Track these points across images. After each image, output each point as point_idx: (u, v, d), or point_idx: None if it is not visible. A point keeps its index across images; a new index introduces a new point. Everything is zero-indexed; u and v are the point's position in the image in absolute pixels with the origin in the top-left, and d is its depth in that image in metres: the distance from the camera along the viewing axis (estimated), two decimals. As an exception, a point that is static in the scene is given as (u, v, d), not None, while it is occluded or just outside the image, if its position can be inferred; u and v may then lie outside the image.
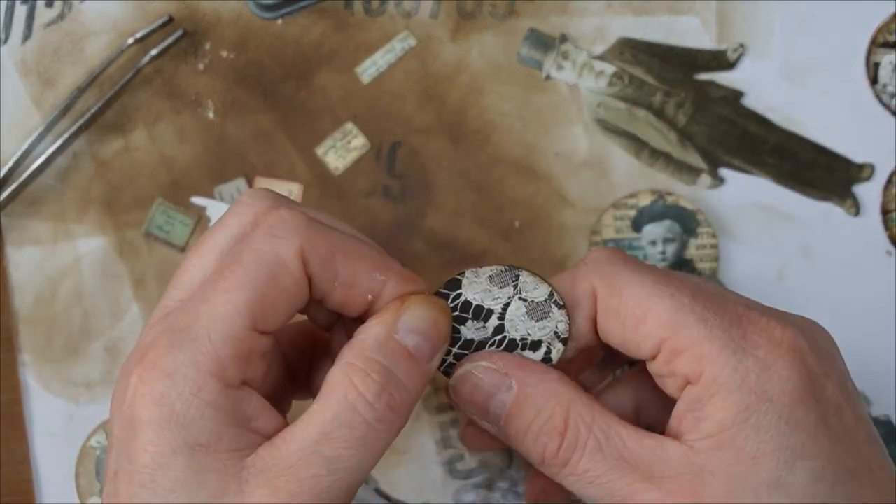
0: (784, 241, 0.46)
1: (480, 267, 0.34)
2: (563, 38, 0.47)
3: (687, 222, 0.46)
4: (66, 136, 0.46)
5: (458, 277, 0.34)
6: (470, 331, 0.34)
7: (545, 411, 0.31)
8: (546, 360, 0.33)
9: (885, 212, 0.46)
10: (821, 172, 0.46)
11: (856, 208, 0.46)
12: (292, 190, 0.47)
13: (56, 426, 0.47)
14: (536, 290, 0.33)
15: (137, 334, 0.47)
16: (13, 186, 0.46)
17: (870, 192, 0.46)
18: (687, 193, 0.46)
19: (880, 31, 0.46)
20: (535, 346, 0.33)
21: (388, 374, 0.30)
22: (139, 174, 0.48)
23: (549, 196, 0.47)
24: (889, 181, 0.46)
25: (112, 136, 0.48)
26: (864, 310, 0.46)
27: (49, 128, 0.47)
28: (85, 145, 0.48)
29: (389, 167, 0.47)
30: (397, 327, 0.31)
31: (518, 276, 0.34)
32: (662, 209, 0.46)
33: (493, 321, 0.34)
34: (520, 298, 0.34)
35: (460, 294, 0.34)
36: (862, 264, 0.46)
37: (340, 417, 0.29)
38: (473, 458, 0.46)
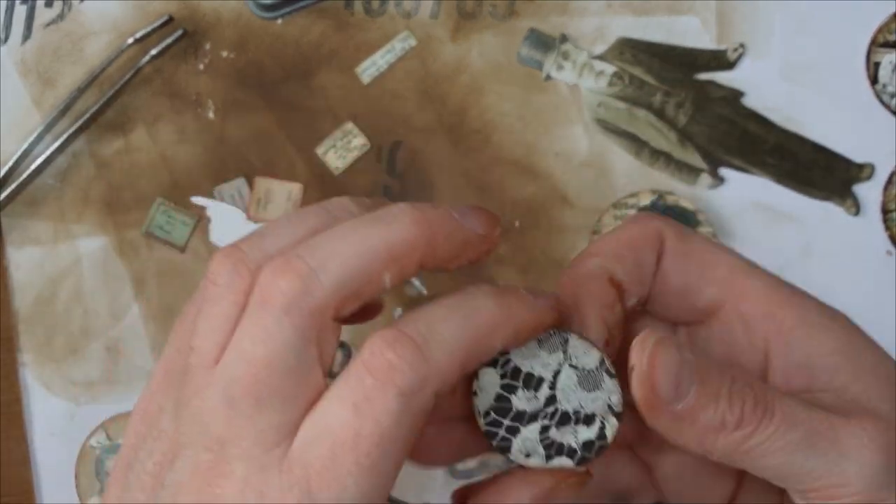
0: (784, 241, 0.46)
1: None
2: (564, 38, 0.47)
3: (687, 222, 0.46)
4: (66, 135, 0.46)
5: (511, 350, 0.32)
6: (521, 401, 0.31)
7: (727, 369, 0.29)
8: (601, 436, 0.30)
9: (885, 211, 0.46)
10: (821, 172, 0.46)
11: (856, 208, 0.46)
12: (292, 190, 0.47)
13: (56, 426, 0.47)
14: (587, 357, 0.31)
15: (137, 334, 0.47)
16: (13, 186, 0.46)
17: (870, 192, 0.46)
18: (687, 193, 0.46)
19: (880, 30, 0.46)
20: (589, 420, 0.31)
21: None
22: (139, 174, 0.48)
23: (549, 196, 0.47)
24: (889, 181, 0.46)
25: (112, 136, 0.48)
26: (864, 310, 0.46)
27: (49, 128, 0.47)
28: (85, 145, 0.48)
29: (389, 167, 0.47)
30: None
31: (567, 341, 0.31)
32: (662, 209, 0.46)
33: (545, 390, 0.31)
34: (570, 366, 0.31)
35: (509, 360, 0.32)
36: (862, 264, 0.46)
37: None
38: (474, 459, 0.46)
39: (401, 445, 0.28)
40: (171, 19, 0.47)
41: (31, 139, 0.46)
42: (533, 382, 0.31)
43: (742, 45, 0.47)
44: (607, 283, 0.30)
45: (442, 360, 0.29)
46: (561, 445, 0.31)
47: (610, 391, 0.30)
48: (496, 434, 0.31)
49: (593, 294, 0.30)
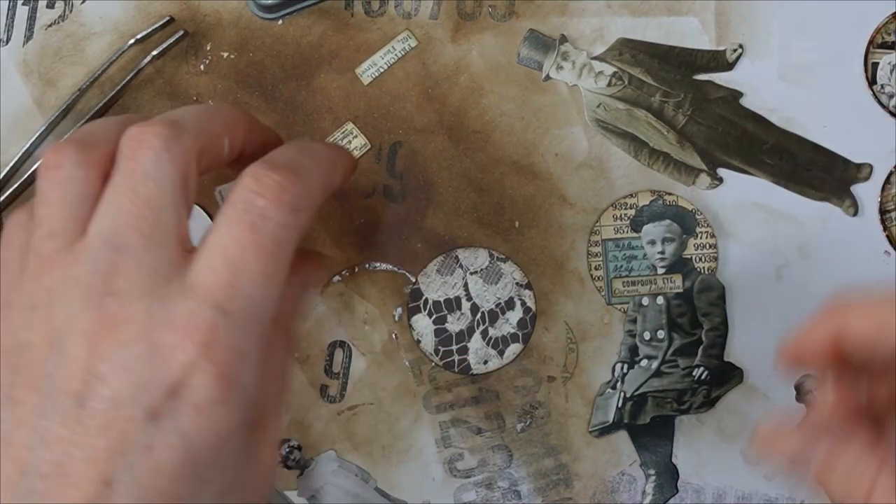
0: (783, 241, 0.46)
1: (424, 266, 0.35)
2: (563, 39, 0.47)
3: (686, 222, 0.46)
4: (67, 136, 0.47)
5: (415, 287, 0.34)
6: (454, 324, 0.35)
7: (856, 470, 0.31)
8: (526, 309, 0.33)
9: (884, 212, 0.46)
10: (819, 172, 0.47)
11: (854, 208, 0.46)
12: (293, 190, 0.47)
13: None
14: (477, 259, 0.34)
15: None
16: (14, 187, 0.47)
17: (868, 192, 0.47)
18: (686, 193, 0.47)
19: (878, 31, 0.47)
20: (510, 304, 0.34)
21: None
22: (140, 174, 0.48)
23: (549, 196, 0.47)
24: (887, 181, 0.46)
25: (113, 137, 0.48)
26: (862, 309, 0.46)
27: (50, 128, 0.47)
28: (86, 145, 0.48)
29: (389, 167, 0.47)
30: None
31: (457, 258, 0.34)
32: (662, 209, 0.46)
33: (465, 304, 0.35)
34: (470, 273, 0.34)
35: (426, 299, 0.34)
36: (860, 264, 0.46)
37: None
38: (473, 458, 0.46)
39: (289, 260, 0.31)
40: (171, 20, 0.48)
41: (32, 139, 0.47)
42: (453, 304, 0.34)
43: (741, 46, 0.47)
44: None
45: (313, 185, 0.33)
46: (504, 338, 0.34)
47: (511, 272, 0.33)
48: (453, 362, 0.33)
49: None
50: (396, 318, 0.47)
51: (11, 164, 0.47)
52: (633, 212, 0.46)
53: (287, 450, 0.46)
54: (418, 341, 0.35)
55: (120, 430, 0.28)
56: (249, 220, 0.31)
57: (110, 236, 0.31)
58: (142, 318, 0.29)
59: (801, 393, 0.46)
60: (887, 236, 0.46)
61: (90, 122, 0.35)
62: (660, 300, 0.46)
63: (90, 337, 0.29)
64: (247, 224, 0.31)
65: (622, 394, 0.46)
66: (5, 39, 0.49)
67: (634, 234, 0.46)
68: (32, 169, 0.46)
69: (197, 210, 0.47)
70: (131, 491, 0.28)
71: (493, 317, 0.35)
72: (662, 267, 0.46)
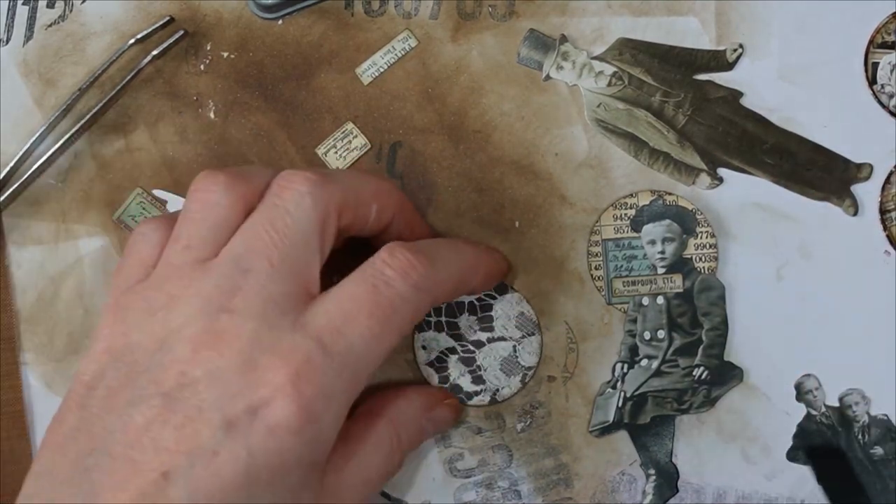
0: (783, 241, 0.46)
1: None
2: (563, 39, 0.47)
3: (686, 222, 0.46)
4: (67, 136, 0.47)
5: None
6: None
7: None
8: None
9: (884, 211, 0.46)
10: (819, 172, 0.47)
11: (854, 208, 0.46)
12: (293, 190, 0.47)
13: (57, 425, 0.47)
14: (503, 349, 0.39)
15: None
16: (15, 186, 0.47)
17: (868, 192, 0.47)
18: (686, 193, 0.47)
19: (879, 31, 0.47)
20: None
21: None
22: (140, 174, 0.48)
23: (549, 196, 0.47)
24: (887, 181, 0.46)
25: (113, 137, 0.48)
26: (862, 310, 0.46)
27: (50, 128, 0.47)
28: (86, 145, 0.48)
29: (389, 167, 0.47)
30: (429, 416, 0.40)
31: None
32: (662, 209, 0.46)
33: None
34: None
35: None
36: (861, 264, 0.46)
37: (381, 468, 0.36)
38: (473, 458, 0.46)
39: (399, 333, 0.34)
40: (172, 20, 0.48)
41: (32, 139, 0.47)
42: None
43: (741, 46, 0.47)
44: None
45: (443, 276, 0.35)
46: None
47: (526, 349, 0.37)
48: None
49: None
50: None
51: (11, 164, 0.47)
52: (633, 212, 0.46)
53: None
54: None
55: (193, 429, 0.30)
56: (373, 282, 0.33)
57: (240, 258, 0.33)
58: (248, 337, 0.31)
59: (800, 393, 0.46)
60: (887, 236, 0.46)
61: (248, 165, 0.38)
62: (660, 300, 0.46)
63: (195, 343, 0.31)
64: (369, 285, 0.33)
65: (622, 393, 0.46)
66: (5, 39, 0.49)
67: (635, 234, 0.46)
68: (33, 169, 0.47)
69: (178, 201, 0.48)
70: (185, 488, 0.29)
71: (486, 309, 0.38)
72: (663, 267, 0.46)
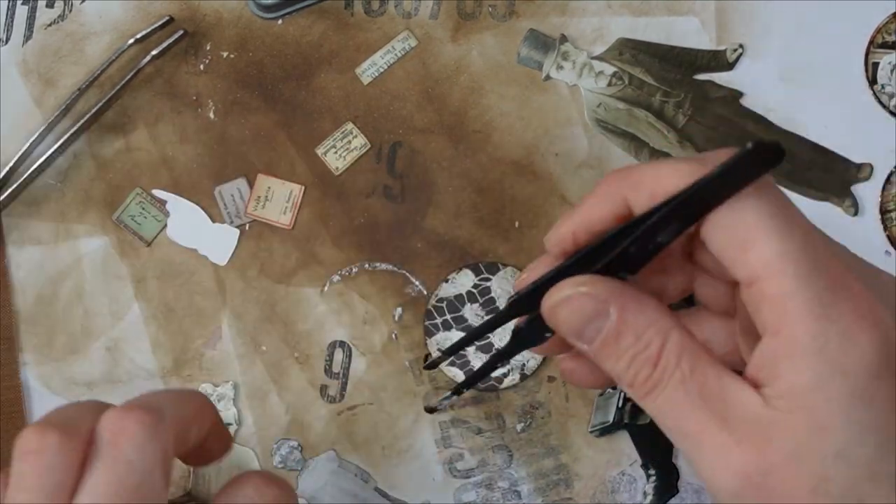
0: (783, 241, 0.46)
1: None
2: (563, 39, 0.47)
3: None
4: (66, 136, 0.47)
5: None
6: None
7: (643, 340, 0.30)
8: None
9: (884, 212, 0.46)
10: (819, 172, 0.47)
11: (855, 208, 0.46)
12: (293, 190, 0.47)
13: (57, 425, 0.47)
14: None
15: (138, 334, 0.47)
16: (14, 186, 0.47)
17: (869, 192, 0.46)
18: (686, 193, 0.46)
19: (879, 31, 0.47)
20: None
21: None
22: (140, 174, 0.48)
23: (549, 196, 0.47)
24: (888, 181, 0.46)
25: (113, 136, 0.48)
26: (862, 309, 0.46)
27: (50, 128, 0.47)
28: (86, 145, 0.48)
29: (389, 167, 0.47)
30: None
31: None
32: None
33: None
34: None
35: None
36: (861, 264, 0.46)
37: None
38: (473, 458, 0.46)
39: (161, 482, 0.33)
40: (171, 20, 0.48)
41: (32, 139, 0.47)
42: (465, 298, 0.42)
43: (741, 46, 0.47)
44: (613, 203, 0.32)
45: (174, 421, 0.34)
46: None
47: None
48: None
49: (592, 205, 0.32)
50: (396, 318, 0.46)
51: (11, 163, 0.47)
52: (633, 212, 0.46)
53: (287, 450, 0.46)
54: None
55: None
56: (112, 464, 0.32)
57: None
58: None
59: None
60: (888, 236, 0.46)
61: (64, 406, 0.36)
62: (660, 300, 0.46)
63: None
64: (109, 469, 0.32)
65: (622, 394, 0.46)
66: (5, 39, 0.49)
67: (635, 234, 0.46)
68: (33, 168, 0.46)
69: (196, 210, 0.48)
70: None
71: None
72: (663, 267, 0.46)
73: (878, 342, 0.29)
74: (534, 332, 0.33)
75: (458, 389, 0.39)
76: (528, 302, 0.33)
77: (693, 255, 0.33)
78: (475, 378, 0.38)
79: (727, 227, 0.30)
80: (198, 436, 0.36)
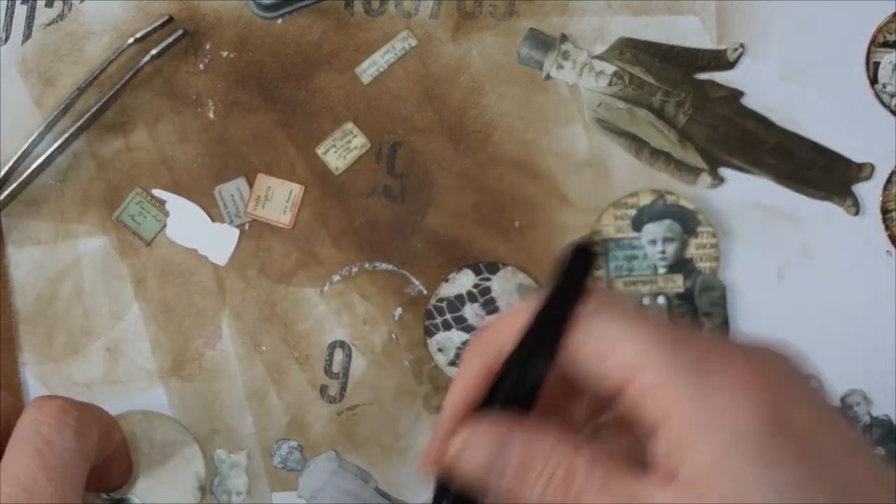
0: (784, 241, 0.46)
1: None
2: (563, 38, 0.47)
3: (687, 222, 0.46)
4: (66, 135, 0.47)
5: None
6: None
7: (552, 463, 0.31)
8: None
9: (885, 211, 0.46)
10: (820, 172, 0.46)
11: (856, 208, 0.46)
12: (293, 190, 0.47)
13: (56, 426, 0.47)
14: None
15: (138, 334, 0.47)
16: (14, 186, 0.47)
17: (870, 192, 0.46)
18: (687, 193, 0.46)
19: (880, 30, 0.46)
20: None
21: None
22: (140, 174, 0.48)
23: (549, 196, 0.47)
24: (889, 180, 0.46)
25: (112, 136, 0.48)
26: (864, 309, 0.46)
27: (49, 127, 0.47)
28: (85, 145, 0.48)
29: (389, 167, 0.47)
30: None
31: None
32: (662, 209, 0.46)
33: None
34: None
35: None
36: (862, 264, 0.46)
37: None
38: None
39: (78, 480, 0.35)
40: (171, 19, 0.48)
41: (31, 139, 0.46)
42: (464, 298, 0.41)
43: (742, 45, 0.47)
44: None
45: (94, 413, 0.37)
46: None
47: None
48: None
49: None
50: (396, 318, 0.46)
51: (11, 163, 0.46)
52: (633, 211, 0.46)
53: (287, 450, 0.46)
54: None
55: None
56: (35, 447, 0.35)
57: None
58: None
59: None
60: (889, 236, 0.46)
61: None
62: (661, 300, 0.46)
63: None
64: (33, 451, 0.35)
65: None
66: (4, 38, 0.49)
67: (635, 234, 0.46)
68: (32, 168, 0.46)
69: (196, 210, 0.47)
70: None
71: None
72: (663, 267, 0.46)
73: (764, 400, 0.29)
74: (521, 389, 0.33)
75: None
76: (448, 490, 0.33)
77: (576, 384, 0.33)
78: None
79: (580, 346, 0.30)
80: (101, 445, 0.38)
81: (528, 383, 0.31)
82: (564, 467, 0.30)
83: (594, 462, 0.30)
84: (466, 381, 0.32)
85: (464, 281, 0.46)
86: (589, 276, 0.30)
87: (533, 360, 0.31)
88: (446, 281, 0.46)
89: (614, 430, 0.35)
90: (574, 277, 0.30)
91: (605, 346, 0.30)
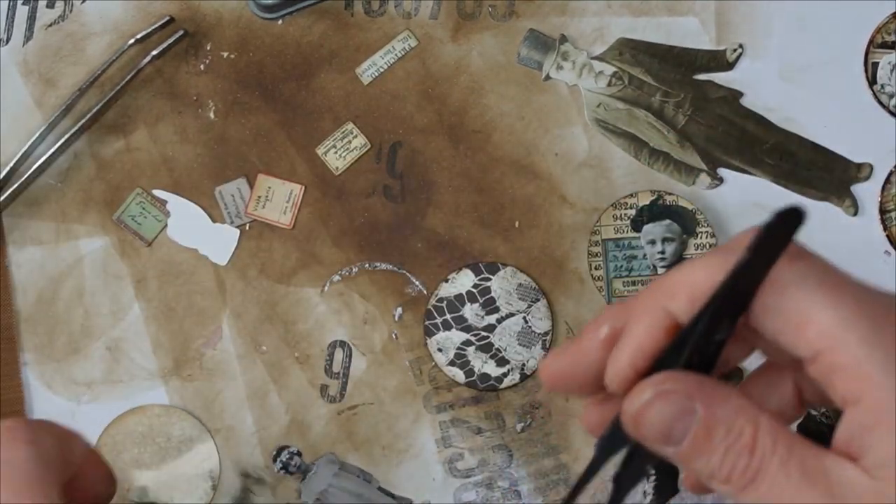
0: (783, 241, 0.46)
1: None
2: (563, 39, 0.47)
3: (686, 222, 0.46)
4: (67, 136, 0.47)
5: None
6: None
7: (734, 430, 0.29)
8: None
9: (884, 211, 0.46)
10: (819, 172, 0.47)
11: (854, 208, 0.46)
12: (293, 190, 0.47)
13: (57, 425, 0.47)
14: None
15: (138, 334, 0.47)
16: (15, 186, 0.47)
17: (868, 192, 0.46)
18: (686, 193, 0.47)
19: (879, 31, 0.47)
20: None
21: None
22: (140, 174, 0.48)
23: (549, 196, 0.47)
24: (887, 181, 0.46)
25: (113, 137, 0.48)
26: (862, 309, 0.46)
27: (50, 128, 0.47)
28: (86, 145, 0.48)
29: (389, 167, 0.47)
30: None
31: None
32: (662, 209, 0.46)
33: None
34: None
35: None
36: (861, 264, 0.46)
37: None
38: (473, 458, 0.46)
39: (43, 489, 0.34)
40: (171, 20, 0.48)
41: (32, 139, 0.47)
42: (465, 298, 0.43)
43: (741, 46, 0.47)
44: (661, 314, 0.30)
45: (44, 425, 0.35)
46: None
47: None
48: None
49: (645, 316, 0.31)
50: (396, 318, 0.47)
51: (12, 163, 0.47)
52: (633, 212, 0.46)
53: (287, 456, 0.46)
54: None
55: None
56: None
57: None
58: None
59: (801, 393, 0.45)
60: (887, 236, 0.46)
61: None
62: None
63: None
64: None
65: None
66: (5, 39, 0.49)
67: (635, 234, 0.46)
68: (33, 168, 0.47)
69: (197, 210, 0.48)
70: None
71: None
72: (663, 267, 0.46)
73: None
74: (635, 472, 0.32)
75: None
76: (617, 437, 0.31)
77: (745, 335, 0.32)
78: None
79: (776, 310, 0.29)
80: (63, 456, 0.37)
81: (711, 347, 0.30)
82: (748, 435, 0.29)
83: (778, 432, 0.29)
84: (637, 339, 0.30)
85: (464, 281, 0.46)
86: (790, 241, 0.28)
87: (720, 323, 0.29)
88: (446, 281, 0.46)
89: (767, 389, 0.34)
90: (775, 240, 0.28)
91: (803, 313, 0.29)
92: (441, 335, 0.46)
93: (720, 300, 0.28)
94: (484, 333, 0.46)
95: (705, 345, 0.29)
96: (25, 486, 0.34)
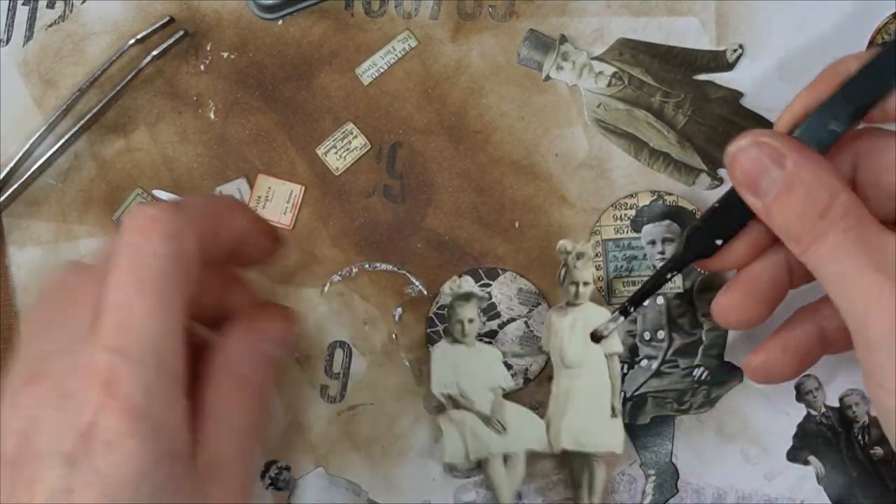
0: (783, 241, 0.46)
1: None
2: (563, 39, 0.47)
3: (686, 222, 0.46)
4: (67, 136, 0.47)
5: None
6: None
7: (814, 195, 0.33)
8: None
9: (884, 212, 0.46)
10: (819, 172, 0.46)
11: (854, 208, 0.46)
12: (293, 190, 0.47)
13: (57, 425, 0.47)
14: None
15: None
16: (15, 186, 0.47)
17: (868, 192, 0.46)
18: (686, 193, 0.47)
19: (879, 31, 0.47)
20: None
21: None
22: (141, 174, 0.48)
23: (549, 196, 0.47)
24: (888, 181, 0.46)
25: (113, 137, 0.48)
26: (862, 309, 0.46)
27: (51, 128, 0.47)
28: (86, 146, 0.48)
29: (389, 167, 0.47)
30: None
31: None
32: (662, 209, 0.46)
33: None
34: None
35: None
36: (861, 264, 0.46)
37: (245, 417, 0.35)
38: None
39: (180, 289, 0.32)
40: (172, 20, 0.48)
41: (32, 140, 0.47)
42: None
43: (741, 46, 0.47)
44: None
45: (193, 215, 0.34)
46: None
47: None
48: None
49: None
50: (396, 319, 0.47)
51: (11, 164, 0.47)
52: (633, 212, 0.46)
53: (276, 471, 0.46)
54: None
55: (42, 480, 0.30)
56: (128, 259, 0.32)
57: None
58: (55, 371, 0.31)
59: (800, 393, 0.46)
60: (887, 236, 0.46)
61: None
62: (660, 300, 0.46)
63: (14, 396, 0.31)
64: (126, 263, 0.32)
65: (622, 394, 0.46)
66: (5, 39, 0.49)
67: (635, 235, 0.46)
68: (33, 169, 0.47)
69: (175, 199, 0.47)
70: None
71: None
72: (662, 267, 0.46)
73: None
74: (705, 240, 0.38)
75: (624, 310, 0.42)
76: (705, 232, 0.38)
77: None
78: (642, 296, 0.41)
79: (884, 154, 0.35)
80: (229, 234, 0.36)
81: (825, 133, 0.35)
82: (824, 202, 0.33)
83: (850, 206, 0.33)
84: (814, 92, 0.36)
85: (464, 287, 0.46)
86: None
87: (841, 111, 0.35)
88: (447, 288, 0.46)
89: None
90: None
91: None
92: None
93: (849, 84, 0.34)
94: (487, 340, 0.46)
95: (821, 129, 0.35)
96: (149, 284, 0.31)
